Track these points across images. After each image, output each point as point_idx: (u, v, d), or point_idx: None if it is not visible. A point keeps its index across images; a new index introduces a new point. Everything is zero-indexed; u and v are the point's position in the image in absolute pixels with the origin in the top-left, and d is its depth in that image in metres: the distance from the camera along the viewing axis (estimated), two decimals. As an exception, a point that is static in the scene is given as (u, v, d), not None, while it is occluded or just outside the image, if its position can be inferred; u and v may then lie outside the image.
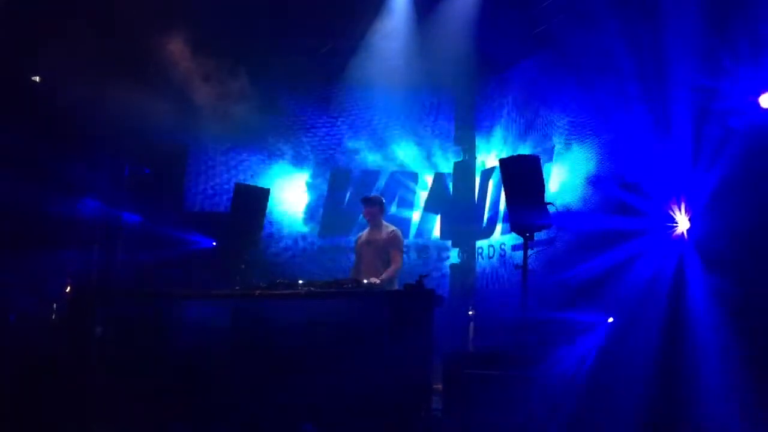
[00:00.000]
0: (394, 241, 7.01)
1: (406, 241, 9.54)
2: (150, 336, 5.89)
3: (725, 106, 5.58)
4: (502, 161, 6.79)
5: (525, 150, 8.36)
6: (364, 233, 7.28)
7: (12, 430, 5.29)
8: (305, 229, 9.80)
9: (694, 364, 5.42)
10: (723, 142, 5.54)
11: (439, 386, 6.01)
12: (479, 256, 9.48)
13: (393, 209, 9.81)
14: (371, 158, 9.95)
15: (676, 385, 5.44)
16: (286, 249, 9.72)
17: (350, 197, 9.73)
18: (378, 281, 6.46)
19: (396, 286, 6.88)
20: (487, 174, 9.40)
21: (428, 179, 9.94)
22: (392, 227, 7.22)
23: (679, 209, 5.97)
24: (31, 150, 7.37)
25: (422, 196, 9.91)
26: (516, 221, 6.49)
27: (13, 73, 7.94)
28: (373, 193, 8.72)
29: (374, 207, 7.15)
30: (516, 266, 6.39)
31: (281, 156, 9.82)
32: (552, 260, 7.63)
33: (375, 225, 7.15)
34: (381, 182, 9.88)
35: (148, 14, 7.98)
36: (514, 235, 7.70)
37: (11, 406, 5.37)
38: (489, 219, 9.23)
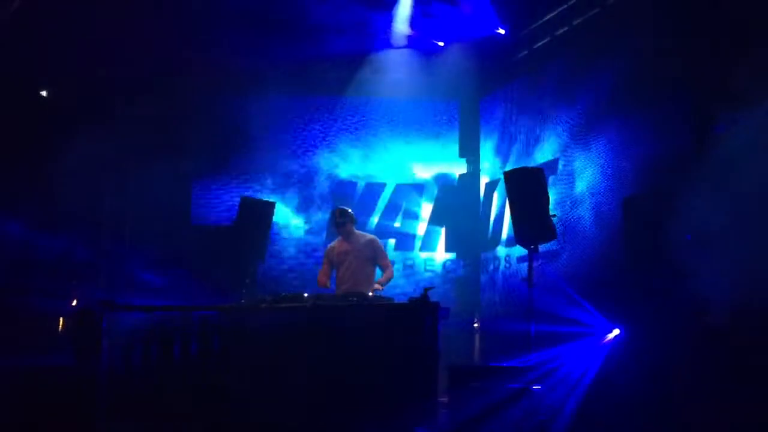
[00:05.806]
0: (379, 250, 7.06)
1: (410, 254, 9.66)
2: (156, 349, 5.90)
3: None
4: (506, 174, 6.81)
5: (529, 162, 8.39)
6: (336, 243, 7.19)
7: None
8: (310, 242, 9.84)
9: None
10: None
11: (445, 398, 6.01)
12: (484, 269, 9.48)
13: (398, 222, 9.84)
14: (376, 171, 9.99)
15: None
16: (290, 261, 9.78)
17: (355, 209, 9.75)
18: (380, 286, 6.69)
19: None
20: (491, 186, 9.41)
21: (433, 192, 9.98)
22: (368, 234, 7.27)
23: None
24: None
25: (427, 208, 9.95)
26: (520, 233, 6.51)
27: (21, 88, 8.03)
28: (380, 205, 8.69)
29: (347, 224, 7.08)
30: (521, 278, 6.39)
31: (285, 168, 9.88)
32: (557, 271, 7.64)
33: (348, 235, 7.14)
34: (386, 195, 9.91)
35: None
36: (518, 247, 7.71)
37: (19, 420, 5.38)
38: (493, 231, 9.23)
